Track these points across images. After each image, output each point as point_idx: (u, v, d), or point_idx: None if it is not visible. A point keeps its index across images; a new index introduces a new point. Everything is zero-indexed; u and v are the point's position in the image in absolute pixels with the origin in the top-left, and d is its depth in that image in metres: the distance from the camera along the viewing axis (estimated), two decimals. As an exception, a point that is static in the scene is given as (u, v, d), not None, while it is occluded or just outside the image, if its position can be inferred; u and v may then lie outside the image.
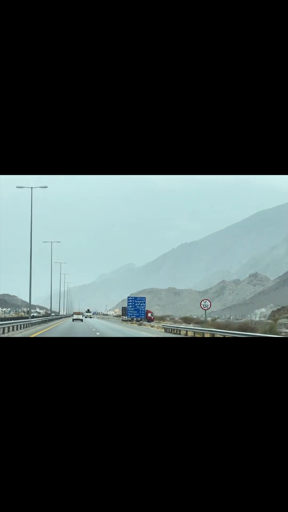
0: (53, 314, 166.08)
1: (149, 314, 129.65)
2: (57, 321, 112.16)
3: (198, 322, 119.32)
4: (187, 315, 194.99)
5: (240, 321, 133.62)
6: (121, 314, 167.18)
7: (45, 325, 76.27)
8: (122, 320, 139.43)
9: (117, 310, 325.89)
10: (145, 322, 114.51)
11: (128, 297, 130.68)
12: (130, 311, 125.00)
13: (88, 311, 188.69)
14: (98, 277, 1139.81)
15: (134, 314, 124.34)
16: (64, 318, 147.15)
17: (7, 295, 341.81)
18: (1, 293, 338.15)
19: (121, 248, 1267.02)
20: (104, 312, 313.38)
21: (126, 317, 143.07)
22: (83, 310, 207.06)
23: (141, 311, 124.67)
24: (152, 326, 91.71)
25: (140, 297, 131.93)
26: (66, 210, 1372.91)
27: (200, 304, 53.58)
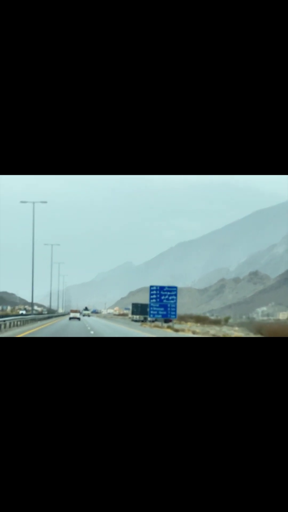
0: (45, 312, 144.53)
1: None
2: (46, 321, 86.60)
3: (212, 322, 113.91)
4: (187, 313, 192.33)
5: (257, 320, 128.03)
6: (130, 312, 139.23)
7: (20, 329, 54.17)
8: (133, 320, 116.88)
9: (117, 308, 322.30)
10: (163, 324, 78.96)
11: (150, 286, 79.61)
12: (154, 308, 76.65)
13: (86, 309, 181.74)
14: (96, 276, 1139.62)
15: (160, 312, 76.66)
16: (57, 318, 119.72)
17: (5, 292, 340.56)
18: (0, 291, 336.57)
19: (119, 247, 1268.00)
20: (97, 310, 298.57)
21: (137, 316, 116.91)
22: (81, 308, 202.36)
23: (171, 307, 76.71)
24: (193, 332, 62.41)
25: (170, 287, 79.37)
26: (64, 209, 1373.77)
27: None
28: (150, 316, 79.88)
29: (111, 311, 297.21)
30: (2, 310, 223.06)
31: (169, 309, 76.51)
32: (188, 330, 65.65)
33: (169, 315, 76.65)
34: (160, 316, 77.12)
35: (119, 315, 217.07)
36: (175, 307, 77.13)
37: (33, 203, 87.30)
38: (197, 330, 67.13)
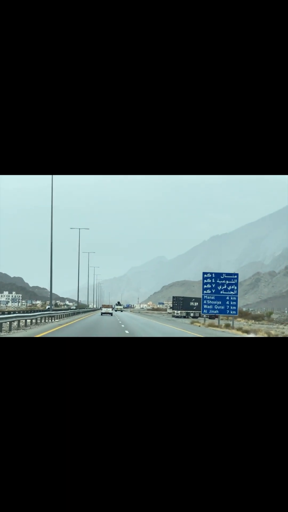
0: (73, 307, 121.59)
1: None
2: (71, 318, 66.15)
3: (253, 317, 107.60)
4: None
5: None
6: (171, 307, 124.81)
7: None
8: (173, 316, 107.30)
9: (150, 303, 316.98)
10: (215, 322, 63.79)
11: (203, 273, 60.89)
12: (209, 302, 58.58)
13: (119, 303, 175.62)
14: (128, 270, 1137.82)
15: (217, 307, 58.32)
16: (86, 314, 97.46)
17: (37, 287, 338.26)
18: (32, 286, 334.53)
19: (152, 241, 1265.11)
20: (131, 305, 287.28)
21: (178, 312, 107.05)
22: (113, 303, 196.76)
23: (231, 300, 58.40)
24: (267, 333, 46.72)
25: (229, 274, 60.61)
26: (96, 204, 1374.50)
27: None
28: (202, 312, 60.54)
29: (144, 305, 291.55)
30: (32, 304, 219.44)
31: (228, 303, 58.22)
32: (261, 331, 49.56)
33: (228, 311, 58.54)
34: (216, 312, 58.82)
35: (153, 309, 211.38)
36: (236, 301, 58.54)
37: (52, 176, 63.72)
38: (272, 331, 51.40)
